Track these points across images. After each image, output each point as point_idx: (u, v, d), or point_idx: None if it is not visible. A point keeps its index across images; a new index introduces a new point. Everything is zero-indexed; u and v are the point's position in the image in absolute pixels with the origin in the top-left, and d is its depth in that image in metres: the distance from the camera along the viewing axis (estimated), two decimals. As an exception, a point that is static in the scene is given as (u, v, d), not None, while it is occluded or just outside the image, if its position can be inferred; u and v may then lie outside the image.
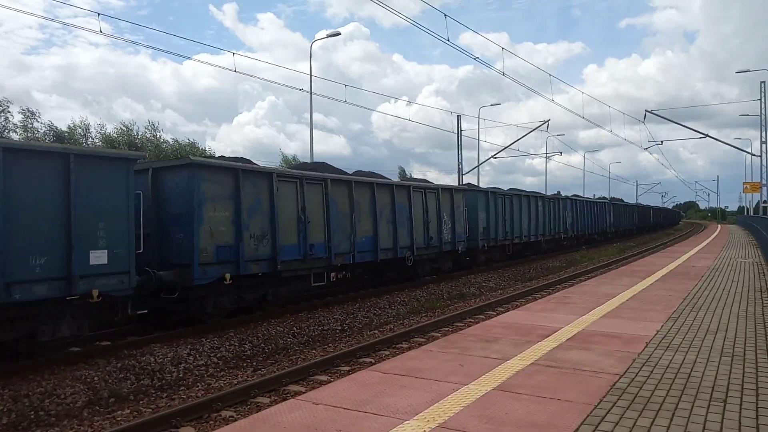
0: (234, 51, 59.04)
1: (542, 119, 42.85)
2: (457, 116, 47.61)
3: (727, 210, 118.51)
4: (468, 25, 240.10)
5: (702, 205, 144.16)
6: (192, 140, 52.33)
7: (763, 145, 39.18)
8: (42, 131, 43.25)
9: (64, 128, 44.89)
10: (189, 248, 10.36)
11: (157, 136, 49.51)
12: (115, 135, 47.25)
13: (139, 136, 47.68)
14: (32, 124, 42.87)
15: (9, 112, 41.93)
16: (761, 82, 38.76)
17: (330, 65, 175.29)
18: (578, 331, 7.79)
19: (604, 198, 55.00)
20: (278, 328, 11.21)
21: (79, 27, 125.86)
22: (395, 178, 22.87)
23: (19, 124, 42.44)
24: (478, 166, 43.66)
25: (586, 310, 9.43)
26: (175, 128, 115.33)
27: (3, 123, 41.33)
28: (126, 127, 48.50)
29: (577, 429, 4.28)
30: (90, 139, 45.98)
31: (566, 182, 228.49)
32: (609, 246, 36.24)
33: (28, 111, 43.28)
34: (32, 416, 6.75)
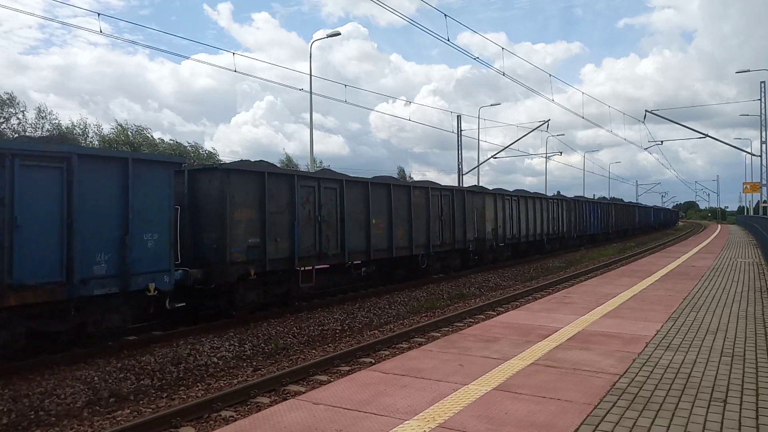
0: (234, 51, 59.11)
1: (541, 119, 42.86)
2: (458, 116, 47.68)
3: (727, 210, 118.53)
4: (468, 25, 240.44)
5: (702, 205, 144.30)
6: (194, 142, 52.67)
7: (763, 145, 39.25)
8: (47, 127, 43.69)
9: (64, 128, 45.10)
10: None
11: (149, 137, 49.58)
12: (113, 135, 47.35)
13: (132, 137, 47.78)
14: (43, 125, 43.34)
15: (21, 113, 42.34)
16: (761, 82, 38.86)
17: (327, 65, 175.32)
18: (578, 331, 7.79)
19: (604, 197, 54.55)
20: (278, 328, 11.21)
21: (78, 27, 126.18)
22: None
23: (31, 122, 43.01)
24: (478, 166, 43.68)
25: (586, 310, 9.44)
26: (173, 128, 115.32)
27: (16, 124, 41.71)
28: (121, 127, 48.78)
29: (577, 429, 4.28)
30: (88, 139, 46.12)
31: (566, 182, 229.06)
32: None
33: (45, 110, 43.96)
34: (32, 416, 6.75)
